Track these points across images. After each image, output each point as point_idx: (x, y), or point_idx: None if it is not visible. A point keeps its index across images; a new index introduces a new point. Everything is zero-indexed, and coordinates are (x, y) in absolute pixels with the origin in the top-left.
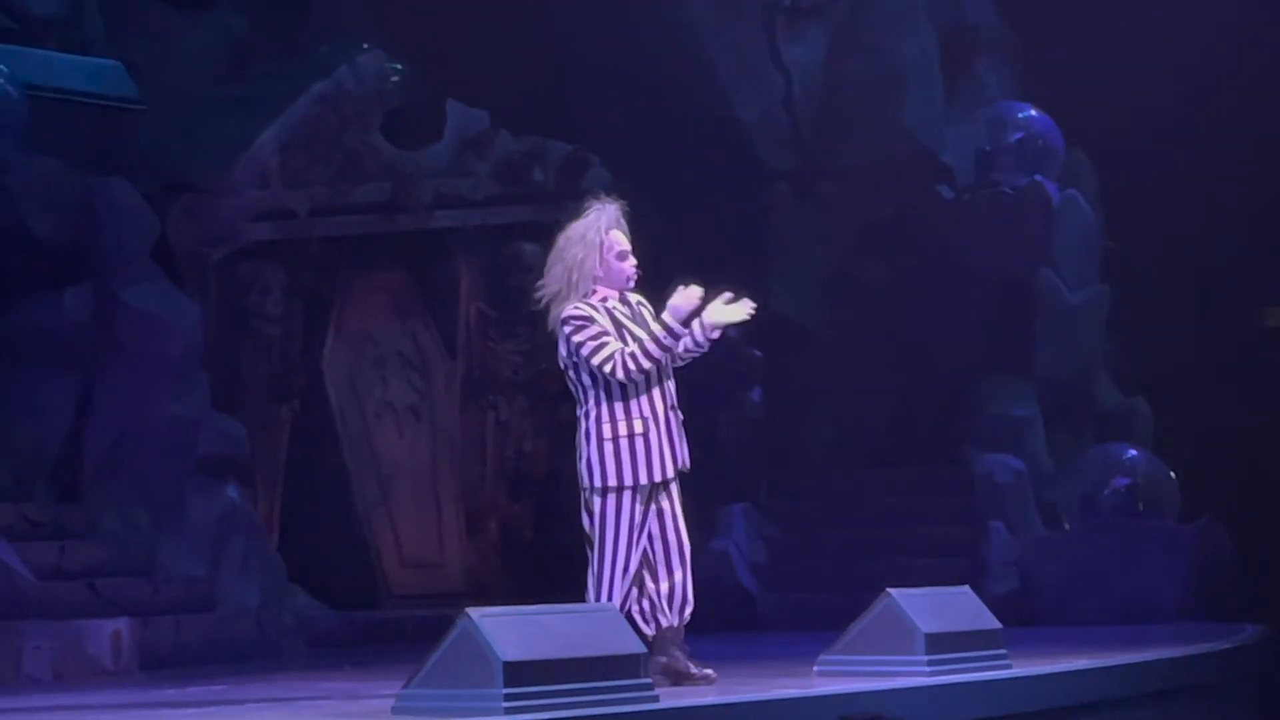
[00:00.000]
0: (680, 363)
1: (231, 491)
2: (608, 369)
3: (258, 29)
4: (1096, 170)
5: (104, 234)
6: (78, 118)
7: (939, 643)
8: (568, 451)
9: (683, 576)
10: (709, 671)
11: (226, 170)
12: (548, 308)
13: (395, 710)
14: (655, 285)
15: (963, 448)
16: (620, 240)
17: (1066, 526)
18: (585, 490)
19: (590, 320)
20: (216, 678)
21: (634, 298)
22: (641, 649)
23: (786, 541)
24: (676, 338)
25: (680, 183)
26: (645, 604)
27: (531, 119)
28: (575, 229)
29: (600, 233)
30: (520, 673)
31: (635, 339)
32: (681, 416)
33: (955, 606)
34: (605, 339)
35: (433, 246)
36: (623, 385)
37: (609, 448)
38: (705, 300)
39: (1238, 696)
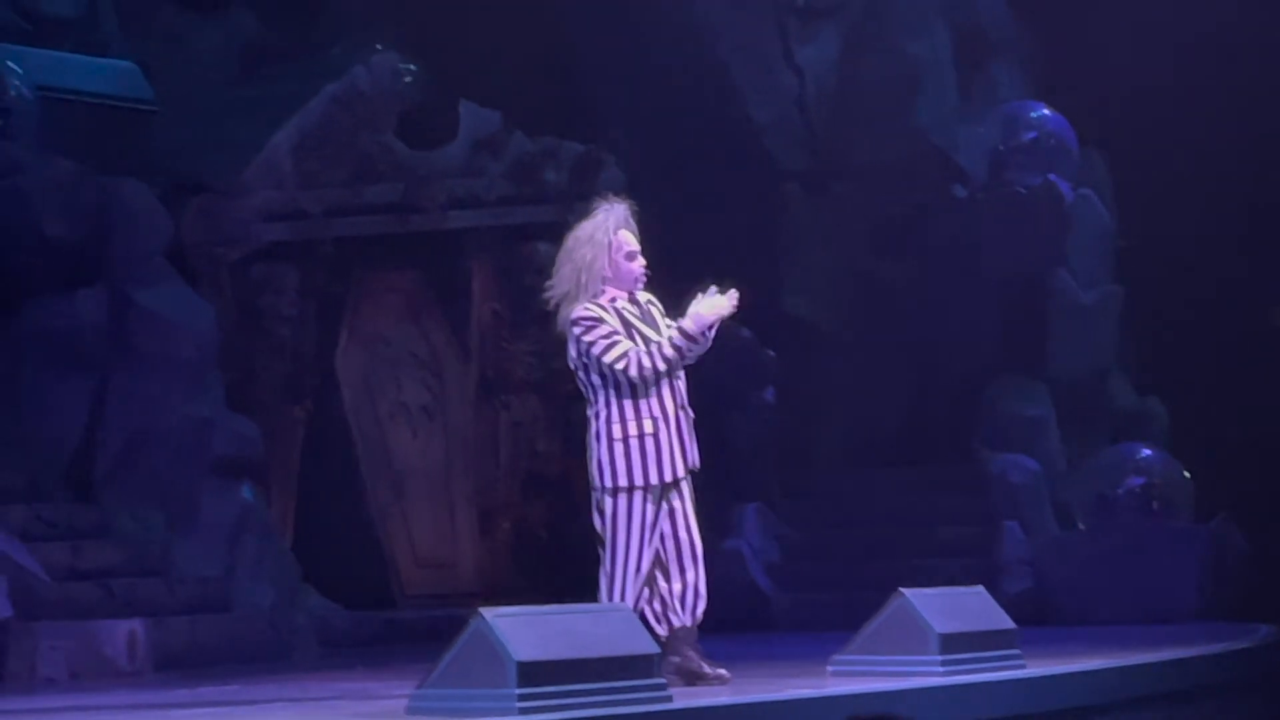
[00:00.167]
0: (686, 362)
1: (245, 492)
2: (620, 366)
3: (272, 30)
4: (1110, 170)
5: (118, 235)
6: (92, 119)
7: (953, 643)
8: (581, 451)
9: (695, 576)
10: (723, 671)
11: (240, 171)
12: (557, 308)
13: (409, 710)
14: (667, 285)
15: (976, 447)
16: (629, 240)
17: (1080, 526)
18: (596, 490)
19: (600, 320)
20: (230, 678)
21: (643, 297)
22: (655, 649)
23: (800, 541)
24: (694, 342)
25: (693, 183)
26: (658, 604)
27: (545, 119)
28: (584, 230)
29: (609, 233)
30: (534, 673)
31: (651, 340)
32: (692, 415)
33: (969, 606)
34: (616, 338)
35: (446, 247)
36: (633, 385)
37: (619, 448)
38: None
39: (1252, 697)
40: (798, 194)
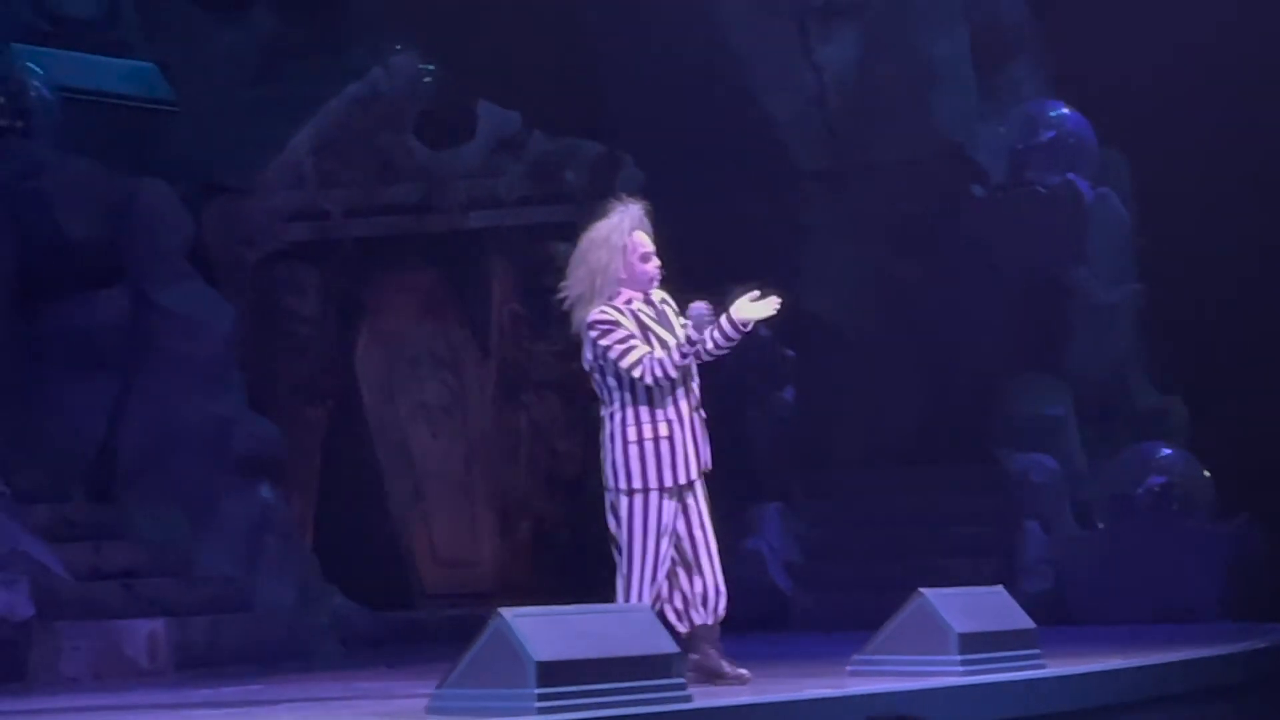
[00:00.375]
0: (709, 358)
1: (266, 492)
2: (636, 373)
3: (292, 31)
4: (1130, 168)
5: (139, 235)
6: (113, 119)
7: (972, 642)
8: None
9: (713, 574)
10: (743, 671)
11: (261, 171)
12: (571, 309)
13: (429, 710)
14: (684, 284)
15: (996, 447)
16: (644, 242)
17: (1100, 526)
18: (610, 492)
19: (616, 324)
20: (251, 678)
21: (657, 296)
22: (675, 649)
23: (819, 541)
24: (730, 341)
25: (712, 181)
26: (679, 602)
27: (564, 119)
28: (599, 231)
29: (624, 235)
30: (553, 673)
31: (666, 345)
32: (705, 416)
33: (988, 606)
34: (632, 342)
35: (466, 247)
36: (648, 388)
37: (634, 450)
38: (727, 303)
39: (1273, 697)
40: (816, 193)
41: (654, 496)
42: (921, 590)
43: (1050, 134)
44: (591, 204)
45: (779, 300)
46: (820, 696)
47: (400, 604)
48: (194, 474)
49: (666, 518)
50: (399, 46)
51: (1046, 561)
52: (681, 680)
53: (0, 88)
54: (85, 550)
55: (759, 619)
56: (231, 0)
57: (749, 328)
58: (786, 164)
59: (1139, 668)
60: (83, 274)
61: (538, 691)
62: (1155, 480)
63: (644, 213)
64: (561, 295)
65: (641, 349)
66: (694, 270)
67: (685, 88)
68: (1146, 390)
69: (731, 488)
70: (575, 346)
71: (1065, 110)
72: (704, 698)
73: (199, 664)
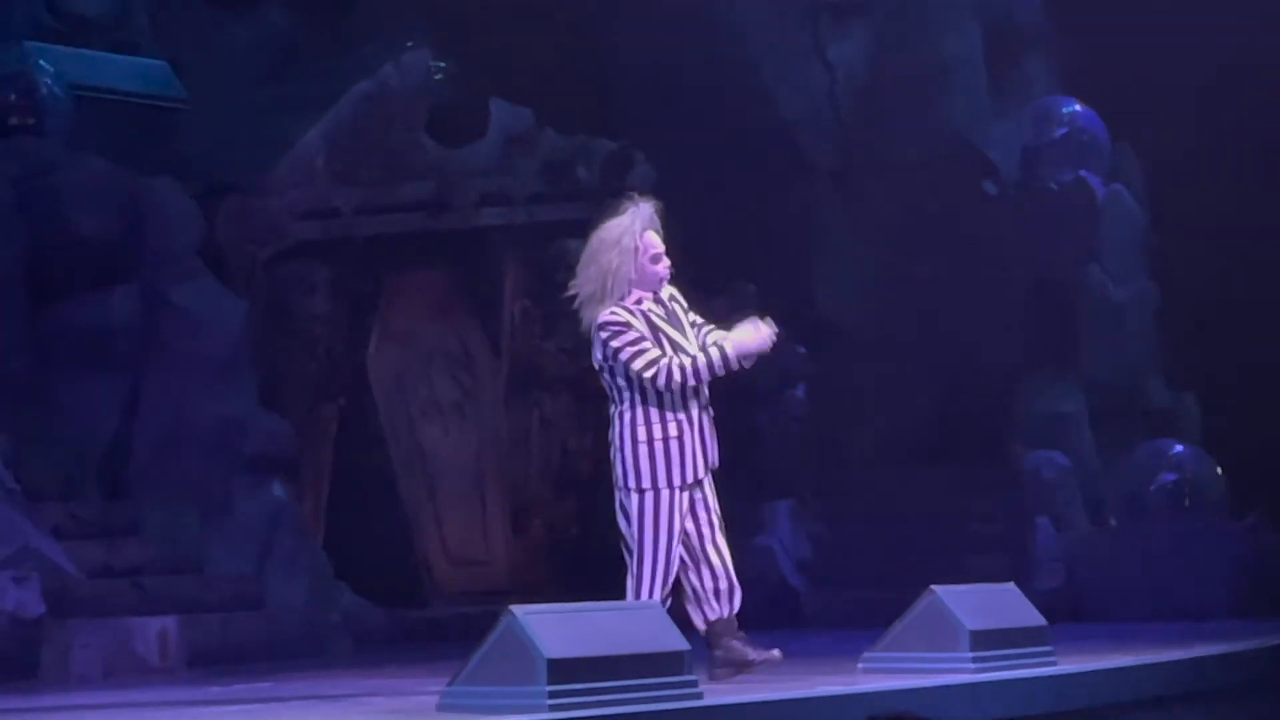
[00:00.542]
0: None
1: (278, 490)
2: (648, 375)
3: (303, 28)
4: (1143, 165)
5: (151, 233)
6: (124, 118)
7: (984, 640)
8: None
9: (724, 569)
10: (774, 652)
11: (272, 169)
12: (580, 307)
13: (440, 707)
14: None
15: (1008, 445)
16: (655, 242)
17: (1113, 523)
18: (620, 491)
19: (627, 325)
20: (263, 675)
21: (666, 293)
22: (686, 646)
23: (831, 538)
24: (729, 368)
25: (724, 179)
26: (692, 597)
27: (576, 117)
28: (610, 231)
29: (635, 237)
30: (564, 670)
31: (680, 345)
32: (713, 414)
33: (1000, 603)
34: (644, 344)
35: (478, 244)
36: (659, 390)
37: (644, 450)
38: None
39: None
40: (828, 190)
41: (664, 495)
42: (933, 587)
43: (1062, 131)
44: (603, 201)
45: (775, 331)
46: (831, 694)
47: (412, 602)
48: (205, 472)
49: (677, 517)
50: (410, 44)
51: (1058, 559)
52: (693, 678)
53: (12, 86)
54: (96, 548)
55: (770, 616)
56: None
57: (750, 364)
58: (798, 161)
59: (1151, 665)
60: (95, 272)
61: (549, 689)
62: (1167, 477)
63: (655, 211)
64: (571, 293)
65: (654, 352)
66: (704, 268)
67: (697, 85)
68: (1159, 387)
69: (744, 485)
70: (587, 344)
71: (1077, 107)
72: (714, 695)
73: (210, 662)
